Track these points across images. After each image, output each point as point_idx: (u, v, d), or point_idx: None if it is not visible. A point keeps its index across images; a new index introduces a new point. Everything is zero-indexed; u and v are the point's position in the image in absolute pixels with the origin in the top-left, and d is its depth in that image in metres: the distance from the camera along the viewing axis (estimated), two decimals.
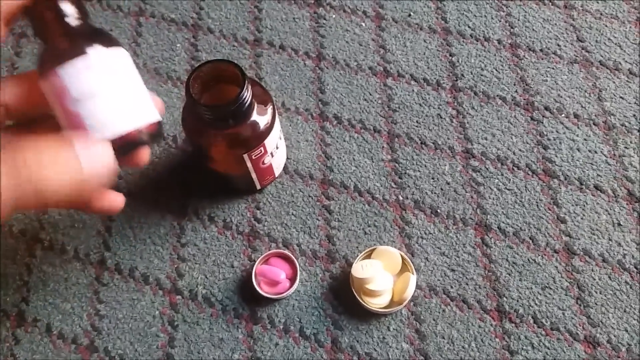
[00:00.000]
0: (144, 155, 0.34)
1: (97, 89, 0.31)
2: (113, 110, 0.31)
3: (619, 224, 0.47)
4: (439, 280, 0.45)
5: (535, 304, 0.44)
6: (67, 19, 0.32)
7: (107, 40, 0.33)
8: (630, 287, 0.44)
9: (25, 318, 0.45)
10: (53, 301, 0.46)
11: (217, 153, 0.43)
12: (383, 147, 0.51)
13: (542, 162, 0.49)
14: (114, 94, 0.31)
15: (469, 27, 0.56)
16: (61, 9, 0.32)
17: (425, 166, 0.50)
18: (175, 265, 0.47)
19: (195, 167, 0.49)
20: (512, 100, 0.52)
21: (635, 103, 0.52)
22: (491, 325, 0.44)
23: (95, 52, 0.31)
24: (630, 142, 0.50)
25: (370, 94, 0.53)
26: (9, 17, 0.31)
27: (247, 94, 0.39)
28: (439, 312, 0.44)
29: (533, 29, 0.56)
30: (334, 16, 0.57)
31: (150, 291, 0.46)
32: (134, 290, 0.46)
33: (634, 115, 0.51)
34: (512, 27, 0.56)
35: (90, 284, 0.46)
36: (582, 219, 0.47)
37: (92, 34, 0.33)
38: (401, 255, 0.44)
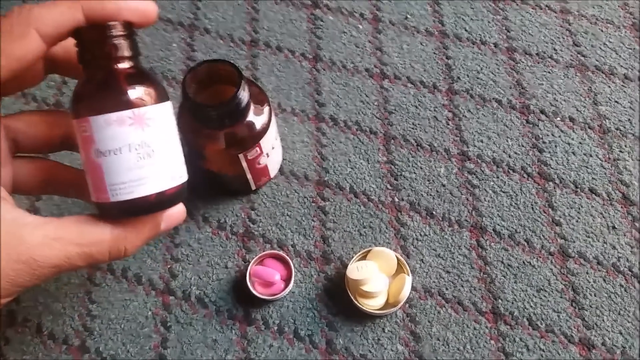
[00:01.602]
0: (177, 215, 0.33)
1: (124, 147, 0.28)
2: (134, 172, 0.28)
3: (614, 227, 0.47)
4: (434, 282, 0.45)
5: (531, 306, 0.44)
6: (118, 54, 0.28)
7: (153, 89, 0.29)
8: (625, 290, 0.44)
9: (15, 318, 0.45)
10: (44, 301, 0.45)
11: (212, 153, 0.43)
12: (379, 148, 0.51)
13: (538, 165, 0.49)
14: (141, 154, 0.28)
15: (465, 30, 0.56)
16: (114, 43, 0.28)
17: (421, 168, 0.50)
18: (169, 266, 0.46)
19: (190, 167, 0.49)
20: (508, 103, 0.52)
21: (630, 107, 0.52)
22: (486, 327, 0.43)
23: (135, 106, 0.28)
24: (625, 146, 0.50)
25: (367, 96, 0.53)
26: (56, 34, 0.28)
27: (244, 94, 0.39)
28: (434, 314, 0.44)
29: (529, 33, 0.56)
30: (331, 18, 0.57)
31: (143, 291, 0.45)
32: (126, 290, 0.46)
33: (629, 120, 0.51)
34: (508, 31, 0.56)
35: (82, 284, 0.46)
36: (577, 221, 0.47)
37: (139, 80, 0.29)
38: (396, 257, 0.44)
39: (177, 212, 0.33)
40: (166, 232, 0.33)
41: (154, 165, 0.29)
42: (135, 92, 0.28)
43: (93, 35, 0.28)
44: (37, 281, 0.28)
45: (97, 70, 0.29)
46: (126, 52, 0.29)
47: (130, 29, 0.29)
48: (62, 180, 0.35)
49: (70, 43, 0.29)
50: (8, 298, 0.28)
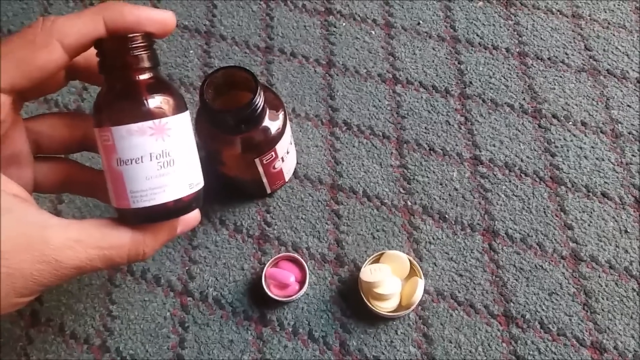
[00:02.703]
0: (192, 220, 0.34)
1: (145, 156, 0.28)
2: (154, 180, 0.29)
3: (626, 231, 0.47)
4: (446, 285, 0.46)
5: (542, 310, 0.44)
6: (139, 65, 0.29)
7: (173, 100, 0.30)
8: (637, 294, 0.45)
9: (39, 318, 0.46)
10: (66, 302, 0.47)
11: (229, 157, 0.44)
12: (392, 153, 0.51)
13: (550, 169, 0.50)
14: (161, 163, 0.29)
15: (477, 35, 0.57)
16: (135, 54, 0.29)
17: (434, 172, 0.50)
18: (187, 268, 0.47)
19: (207, 171, 0.50)
20: (520, 107, 0.53)
21: None
22: (498, 330, 0.44)
23: (156, 116, 0.28)
24: (638, 150, 0.50)
25: (380, 101, 0.54)
26: (78, 46, 0.29)
27: (260, 100, 0.40)
28: (447, 317, 0.45)
29: (541, 38, 0.56)
30: (344, 24, 0.58)
31: (162, 293, 0.47)
32: (145, 291, 0.47)
33: None
34: (520, 36, 0.56)
35: (102, 285, 0.47)
36: (589, 225, 0.47)
37: (160, 90, 0.29)
38: (409, 260, 0.44)
39: (193, 216, 0.34)
40: (182, 235, 0.34)
41: (174, 173, 0.29)
42: (156, 103, 0.29)
43: (114, 46, 0.29)
44: (59, 281, 0.29)
45: (118, 80, 0.29)
46: (147, 63, 0.29)
47: (151, 39, 0.30)
48: (81, 180, 0.36)
49: (91, 51, 0.30)
50: (31, 297, 0.29)
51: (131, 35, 0.29)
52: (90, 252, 0.29)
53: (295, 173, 0.51)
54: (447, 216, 0.48)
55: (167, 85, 0.30)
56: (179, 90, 0.31)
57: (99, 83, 0.32)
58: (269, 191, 0.49)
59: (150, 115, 0.28)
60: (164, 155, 0.29)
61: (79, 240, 0.29)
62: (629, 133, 0.51)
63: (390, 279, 0.44)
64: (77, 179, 0.36)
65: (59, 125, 0.34)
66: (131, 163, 0.28)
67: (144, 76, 0.29)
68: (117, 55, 0.29)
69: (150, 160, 0.29)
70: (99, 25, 0.29)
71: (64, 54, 0.29)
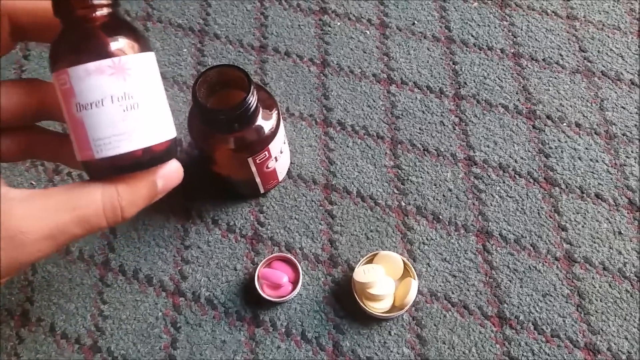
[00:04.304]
0: (174, 174, 0.31)
1: (106, 98, 0.27)
2: (118, 126, 0.27)
3: (620, 233, 0.47)
4: (440, 285, 0.46)
5: (536, 311, 0.44)
6: (94, 1, 0.27)
7: (133, 39, 0.28)
8: (631, 296, 0.45)
9: (29, 318, 0.46)
10: (57, 301, 0.46)
11: (221, 157, 0.44)
12: (386, 153, 0.51)
13: (544, 170, 0.50)
14: (123, 106, 0.27)
15: (472, 36, 0.57)
16: None
17: (428, 173, 0.50)
18: (179, 268, 0.47)
19: (200, 171, 0.50)
20: (515, 108, 0.53)
21: (636, 113, 0.52)
22: (492, 331, 0.44)
23: (115, 55, 0.27)
24: (632, 152, 0.50)
25: (374, 101, 0.54)
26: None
27: (253, 99, 0.40)
28: (440, 318, 0.44)
29: (536, 39, 0.56)
30: (338, 24, 0.58)
31: (154, 293, 0.46)
32: (137, 291, 0.46)
33: (635, 125, 0.51)
34: (515, 37, 0.56)
35: (94, 284, 0.47)
36: (583, 227, 0.47)
37: (119, 29, 0.28)
38: (403, 261, 0.44)
39: (174, 170, 0.31)
40: (164, 193, 0.31)
41: (139, 119, 0.27)
42: (114, 41, 0.27)
43: None
44: (33, 256, 0.27)
45: (73, 20, 0.27)
46: (103, 0, 0.27)
47: None
48: (44, 143, 0.34)
49: (33, 5, 0.29)
50: (7, 277, 0.27)
51: None
52: (59, 216, 0.27)
53: (288, 173, 0.50)
54: (441, 217, 0.48)
55: (127, 24, 0.29)
56: (142, 31, 0.29)
57: (48, 39, 0.30)
58: (262, 191, 0.48)
59: (108, 53, 0.27)
60: (127, 98, 0.27)
61: (44, 207, 0.27)
62: (623, 134, 0.51)
63: (383, 280, 0.43)
64: (39, 143, 0.34)
65: (10, 94, 0.31)
66: (91, 107, 0.26)
67: (101, 13, 0.27)
68: None
69: (112, 102, 0.27)
70: None
71: None
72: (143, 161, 0.28)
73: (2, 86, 0.31)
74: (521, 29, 0.57)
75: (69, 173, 0.52)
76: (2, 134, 0.32)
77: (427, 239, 0.47)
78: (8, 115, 0.31)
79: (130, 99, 0.27)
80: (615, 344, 0.43)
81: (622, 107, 0.52)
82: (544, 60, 0.55)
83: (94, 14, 0.27)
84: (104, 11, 0.28)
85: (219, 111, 0.40)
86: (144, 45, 0.28)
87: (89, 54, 0.26)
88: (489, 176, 0.50)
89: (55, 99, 0.29)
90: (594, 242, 0.47)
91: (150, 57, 0.29)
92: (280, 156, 0.46)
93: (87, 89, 0.26)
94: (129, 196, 0.29)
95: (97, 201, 0.28)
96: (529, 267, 0.46)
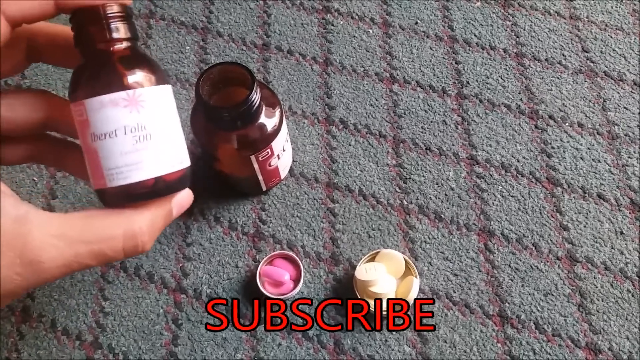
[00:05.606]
0: (185, 201, 0.31)
1: (119, 129, 0.27)
2: (130, 156, 0.27)
3: (622, 233, 0.47)
4: (441, 284, 0.46)
5: (538, 310, 0.44)
6: (113, 35, 0.28)
7: (150, 72, 0.28)
8: (632, 296, 0.45)
9: (30, 314, 0.46)
10: (58, 298, 0.46)
11: (224, 154, 0.44)
12: (388, 151, 0.51)
13: (546, 170, 0.50)
14: (136, 137, 0.27)
15: (475, 35, 0.57)
16: (110, 25, 0.28)
17: (430, 172, 0.50)
18: (181, 265, 0.47)
19: (203, 168, 0.50)
20: (517, 108, 0.53)
21: (638, 113, 0.52)
22: (493, 330, 0.44)
23: (130, 87, 0.27)
24: (634, 152, 0.50)
25: (376, 100, 0.54)
26: (21, 17, 0.27)
27: (256, 96, 0.40)
28: (442, 316, 0.44)
29: (538, 39, 0.56)
30: (341, 22, 0.58)
31: (155, 289, 0.46)
32: (139, 288, 0.46)
33: (638, 126, 0.51)
34: (517, 37, 0.56)
35: (95, 281, 0.47)
36: (584, 227, 0.47)
37: (136, 62, 0.28)
38: (405, 259, 0.44)
39: (185, 197, 0.31)
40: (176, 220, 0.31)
41: (151, 149, 0.28)
42: (130, 74, 0.28)
43: (87, 16, 0.28)
44: (45, 282, 0.27)
45: (91, 52, 0.28)
46: (122, 34, 0.28)
47: (126, 10, 0.29)
48: (50, 151, 0.34)
49: (56, 28, 0.29)
50: (18, 297, 0.27)
51: (106, 4, 0.28)
52: (78, 247, 0.26)
53: (291, 171, 0.50)
54: (442, 216, 0.48)
55: (144, 57, 0.29)
56: (159, 64, 0.30)
57: (63, 64, 0.31)
58: (264, 189, 0.48)
59: (123, 85, 0.27)
60: (140, 129, 0.27)
61: (62, 235, 0.26)
62: (626, 135, 0.51)
63: (385, 278, 0.43)
64: (44, 151, 0.34)
65: (15, 107, 0.31)
66: (105, 138, 0.27)
67: (119, 47, 0.28)
68: (90, 25, 0.28)
69: (125, 133, 0.27)
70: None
71: (5, 24, 0.26)
72: (156, 190, 0.28)
73: (8, 98, 0.31)
74: (524, 29, 0.57)
75: None
76: (7, 141, 0.32)
77: (428, 238, 0.47)
78: (12, 127, 0.31)
79: (143, 130, 0.28)
80: (616, 343, 0.43)
81: (625, 107, 0.52)
82: (546, 60, 0.55)
83: (112, 48, 0.28)
84: (123, 45, 0.28)
85: (222, 108, 0.40)
86: (160, 78, 0.29)
87: (104, 86, 0.27)
88: (491, 175, 0.50)
89: (62, 114, 0.30)
90: (596, 242, 0.47)
91: (166, 89, 0.29)
92: (282, 154, 0.46)
93: (101, 120, 0.27)
94: (149, 229, 0.29)
95: (118, 237, 0.28)
96: (531, 266, 0.46)
